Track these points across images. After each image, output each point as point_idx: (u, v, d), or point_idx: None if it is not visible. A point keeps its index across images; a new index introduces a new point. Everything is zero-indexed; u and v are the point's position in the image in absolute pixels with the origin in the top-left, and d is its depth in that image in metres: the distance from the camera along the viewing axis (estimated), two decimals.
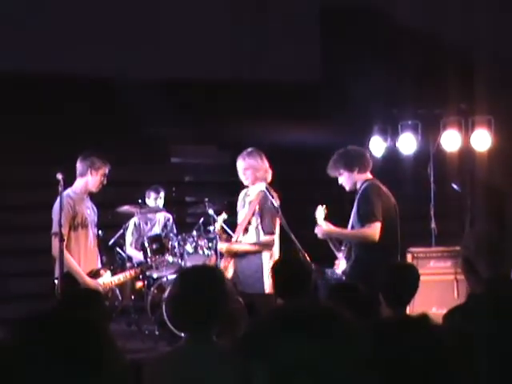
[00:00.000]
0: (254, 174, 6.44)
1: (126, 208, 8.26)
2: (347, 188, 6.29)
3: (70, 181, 6.24)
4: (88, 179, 6.20)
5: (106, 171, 6.28)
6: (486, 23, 9.40)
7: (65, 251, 5.93)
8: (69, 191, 6.18)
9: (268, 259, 6.31)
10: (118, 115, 9.26)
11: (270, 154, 9.28)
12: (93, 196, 6.52)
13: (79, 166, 6.24)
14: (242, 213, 6.55)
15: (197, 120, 9.17)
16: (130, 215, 8.38)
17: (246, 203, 6.54)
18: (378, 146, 9.08)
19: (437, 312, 7.67)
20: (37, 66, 8.99)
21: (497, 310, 3.30)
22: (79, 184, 6.22)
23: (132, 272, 7.07)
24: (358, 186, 6.21)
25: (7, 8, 8.98)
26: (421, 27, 9.65)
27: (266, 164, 6.50)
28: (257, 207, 6.38)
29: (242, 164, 6.47)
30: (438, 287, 7.89)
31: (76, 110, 9.22)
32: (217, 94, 9.57)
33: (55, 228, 6.00)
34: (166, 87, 9.23)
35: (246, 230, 6.42)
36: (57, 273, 6.06)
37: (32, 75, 8.93)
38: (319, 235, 6.15)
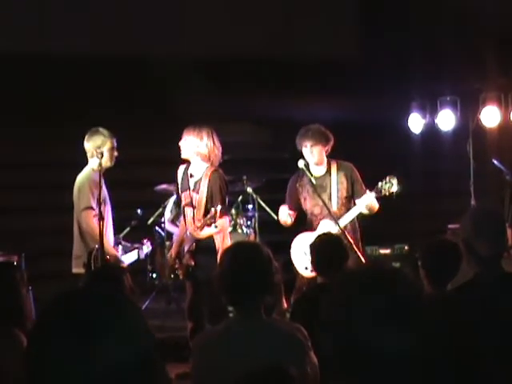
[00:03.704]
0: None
1: (163, 187, 8.30)
2: (315, 161, 6.48)
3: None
4: (99, 158, 6.11)
5: (114, 144, 6.22)
6: None
7: (96, 226, 5.94)
8: (90, 170, 6.17)
9: None
10: (153, 94, 9.25)
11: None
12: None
13: (86, 147, 6.20)
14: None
15: (233, 97, 9.13)
16: (169, 194, 8.42)
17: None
18: (416, 122, 9.02)
19: None
20: (65, 45, 8.96)
21: (499, 287, 3.25)
22: (93, 163, 6.13)
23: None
24: (326, 163, 6.53)
25: None
26: (459, 1, 9.51)
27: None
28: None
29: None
30: None
31: (109, 89, 9.22)
32: (253, 70, 9.52)
33: (88, 203, 6.02)
34: (203, 65, 9.21)
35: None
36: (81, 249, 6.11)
37: (58, 54, 8.89)
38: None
